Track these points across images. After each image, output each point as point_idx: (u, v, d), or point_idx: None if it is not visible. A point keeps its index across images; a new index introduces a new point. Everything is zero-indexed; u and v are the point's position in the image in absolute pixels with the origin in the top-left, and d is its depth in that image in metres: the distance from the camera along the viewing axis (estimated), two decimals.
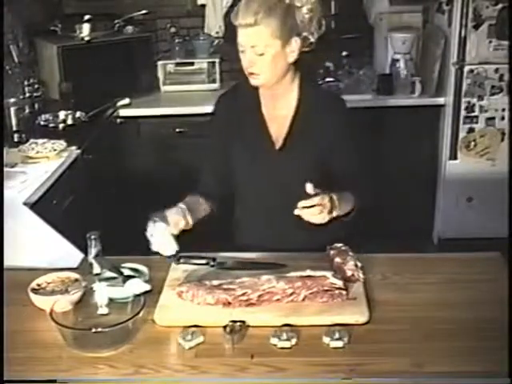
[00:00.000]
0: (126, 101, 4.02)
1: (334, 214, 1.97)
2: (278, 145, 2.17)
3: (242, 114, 2.20)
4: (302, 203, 1.90)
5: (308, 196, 1.91)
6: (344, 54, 4.40)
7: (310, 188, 1.90)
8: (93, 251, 1.99)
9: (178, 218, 2.02)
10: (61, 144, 3.13)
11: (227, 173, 2.24)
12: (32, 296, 1.87)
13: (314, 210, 1.90)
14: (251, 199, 2.26)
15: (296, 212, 1.90)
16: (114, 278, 1.92)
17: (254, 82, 2.10)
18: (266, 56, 2.02)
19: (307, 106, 2.16)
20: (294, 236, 2.13)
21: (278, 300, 1.84)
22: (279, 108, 2.18)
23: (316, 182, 2.13)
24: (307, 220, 1.92)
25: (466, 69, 3.87)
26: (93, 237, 1.99)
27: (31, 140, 3.17)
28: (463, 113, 3.95)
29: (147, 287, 1.86)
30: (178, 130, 4.01)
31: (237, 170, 2.24)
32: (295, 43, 2.06)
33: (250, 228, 2.29)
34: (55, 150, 3.07)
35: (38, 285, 1.92)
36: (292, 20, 2.03)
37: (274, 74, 2.08)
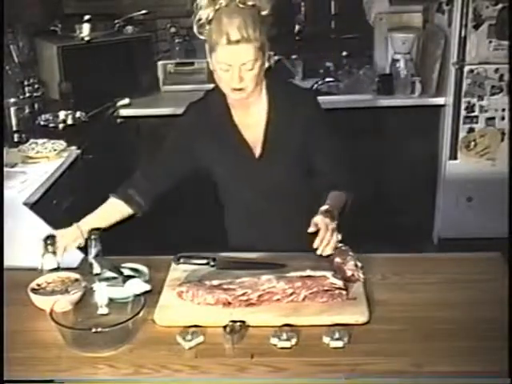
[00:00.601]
0: (126, 101, 4.02)
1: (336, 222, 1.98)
2: (256, 153, 2.15)
3: (214, 123, 2.16)
4: (316, 245, 1.89)
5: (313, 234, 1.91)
6: (344, 53, 4.40)
7: (312, 229, 1.90)
8: (93, 251, 1.99)
9: (69, 243, 2.09)
10: (61, 144, 3.13)
11: (174, 175, 2.25)
12: (32, 296, 1.87)
13: (326, 240, 1.89)
14: (236, 205, 2.26)
15: (319, 253, 1.90)
16: (114, 277, 1.92)
17: (238, 96, 2.04)
18: (255, 70, 1.98)
19: (278, 109, 2.13)
20: (282, 239, 2.13)
21: (278, 300, 1.84)
22: (252, 115, 2.15)
23: (300, 182, 2.15)
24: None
25: (466, 69, 3.87)
26: (93, 237, 1.99)
27: (31, 140, 3.17)
28: (463, 113, 3.95)
29: (147, 287, 1.86)
30: None
31: (220, 179, 2.23)
32: (268, 49, 2.02)
33: (238, 231, 2.29)
34: (55, 150, 3.08)
35: (38, 285, 1.92)
36: (264, 27, 1.98)
37: (257, 85, 2.05)
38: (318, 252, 1.90)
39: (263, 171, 2.15)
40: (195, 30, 2.01)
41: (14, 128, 3.32)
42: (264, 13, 1.99)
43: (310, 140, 2.14)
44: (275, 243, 2.13)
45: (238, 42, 1.92)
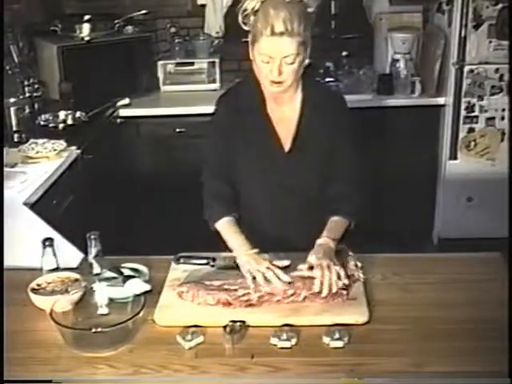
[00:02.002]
0: (126, 101, 4.02)
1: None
2: (286, 147, 2.14)
3: (246, 115, 2.14)
4: (317, 288, 1.85)
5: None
6: (344, 53, 4.40)
7: (305, 267, 1.91)
8: (93, 251, 1.99)
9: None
10: (61, 144, 3.13)
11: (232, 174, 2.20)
12: (32, 296, 1.87)
13: (327, 281, 1.85)
14: (259, 202, 2.22)
15: (323, 295, 1.86)
16: (114, 277, 1.92)
17: (275, 89, 2.03)
18: (296, 64, 1.98)
19: (311, 107, 2.14)
20: (303, 236, 2.13)
21: (278, 301, 1.84)
22: (285, 110, 2.15)
23: (325, 183, 2.15)
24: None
25: (466, 69, 3.87)
26: (93, 237, 1.99)
27: (31, 140, 3.17)
28: (463, 113, 3.95)
29: (147, 287, 1.86)
30: (178, 130, 4.01)
31: (244, 172, 2.19)
32: (310, 46, 2.02)
33: (258, 229, 2.19)
34: (55, 150, 3.07)
35: (38, 285, 1.92)
36: (308, 23, 1.99)
37: (296, 80, 2.06)
38: (323, 294, 1.85)
39: (291, 166, 2.14)
40: (240, 19, 2.01)
41: (14, 128, 3.31)
42: (310, 10, 2.00)
43: (337, 143, 2.15)
44: (289, 240, 2.13)
45: (281, 34, 1.92)
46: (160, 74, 4.35)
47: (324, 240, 2.01)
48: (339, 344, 1.67)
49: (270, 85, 2.03)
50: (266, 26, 1.93)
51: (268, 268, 1.91)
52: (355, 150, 2.20)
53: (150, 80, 4.32)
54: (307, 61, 2.05)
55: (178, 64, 4.42)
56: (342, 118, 2.18)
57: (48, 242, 1.96)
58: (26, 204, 2.51)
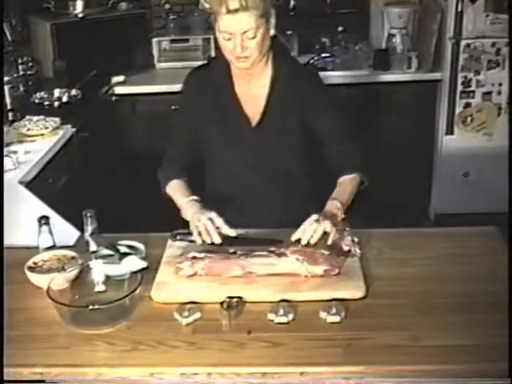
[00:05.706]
0: (121, 78, 3.99)
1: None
2: (254, 123, 2.13)
3: (214, 93, 2.14)
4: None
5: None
6: (340, 29, 4.37)
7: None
8: (89, 229, 1.99)
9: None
10: (55, 122, 3.12)
11: (197, 149, 2.22)
12: (29, 274, 1.87)
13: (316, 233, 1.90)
14: (228, 178, 2.22)
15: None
16: (111, 255, 1.92)
17: (242, 64, 2.02)
18: (258, 38, 1.96)
19: (282, 83, 2.12)
20: (273, 213, 2.13)
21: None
22: (254, 87, 2.13)
23: (297, 159, 2.17)
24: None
25: (463, 43, 3.84)
26: (89, 214, 1.99)
27: (26, 117, 3.15)
28: (460, 88, 3.93)
29: (144, 264, 1.87)
30: (173, 107, 3.98)
31: (212, 149, 2.20)
32: (273, 16, 2.00)
33: (228, 207, 2.19)
34: (50, 127, 3.06)
35: (35, 263, 1.92)
36: None
37: (262, 53, 2.03)
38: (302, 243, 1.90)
39: (259, 142, 2.13)
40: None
41: (9, 106, 3.30)
42: None
43: (312, 116, 2.12)
44: (266, 217, 2.13)
45: (236, 10, 1.90)
46: (155, 51, 4.32)
47: (328, 207, 2.00)
48: (336, 319, 1.67)
49: (235, 60, 2.02)
50: (221, 4, 1.90)
51: (210, 219, 1.94)
52: (339, 116, 2.17)
53: (144, 57, 4.28)
54: (272, 31, 2.03)
55: (172, 41, 4.38)
56: (316, 90, 2.15)
57: (44, 220, 1.96)
58: (21, 182, 2.50)
